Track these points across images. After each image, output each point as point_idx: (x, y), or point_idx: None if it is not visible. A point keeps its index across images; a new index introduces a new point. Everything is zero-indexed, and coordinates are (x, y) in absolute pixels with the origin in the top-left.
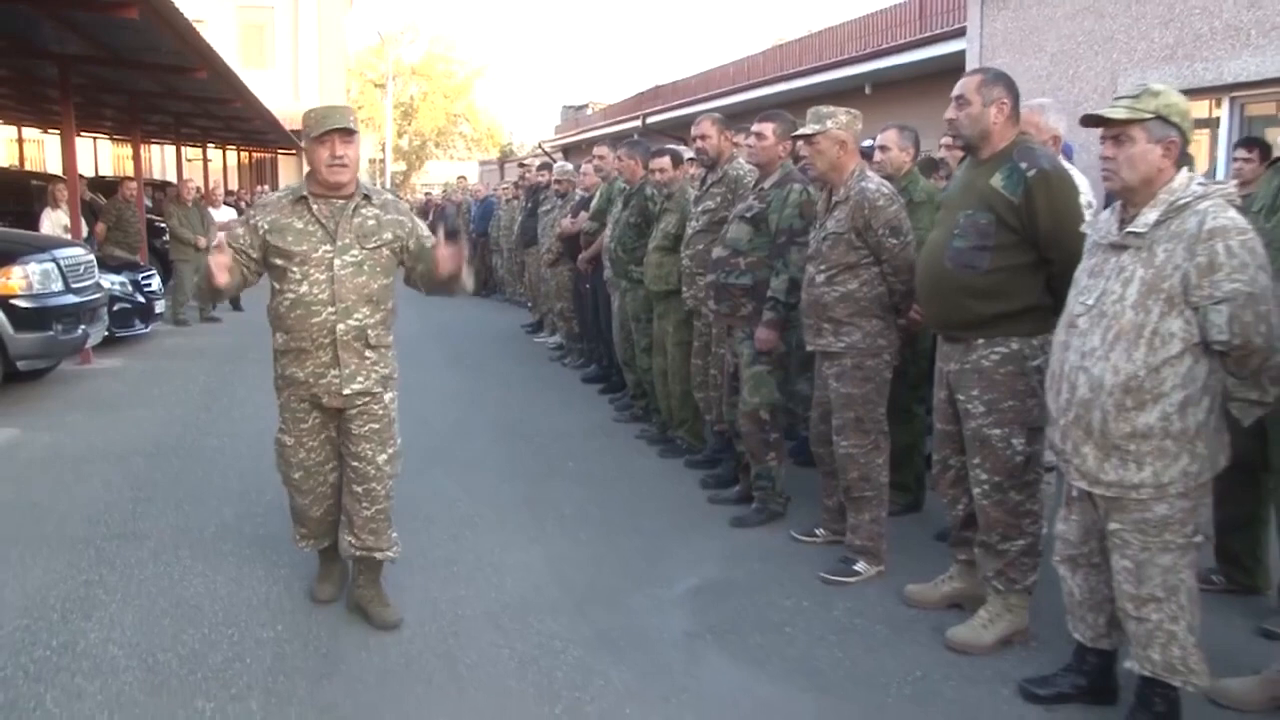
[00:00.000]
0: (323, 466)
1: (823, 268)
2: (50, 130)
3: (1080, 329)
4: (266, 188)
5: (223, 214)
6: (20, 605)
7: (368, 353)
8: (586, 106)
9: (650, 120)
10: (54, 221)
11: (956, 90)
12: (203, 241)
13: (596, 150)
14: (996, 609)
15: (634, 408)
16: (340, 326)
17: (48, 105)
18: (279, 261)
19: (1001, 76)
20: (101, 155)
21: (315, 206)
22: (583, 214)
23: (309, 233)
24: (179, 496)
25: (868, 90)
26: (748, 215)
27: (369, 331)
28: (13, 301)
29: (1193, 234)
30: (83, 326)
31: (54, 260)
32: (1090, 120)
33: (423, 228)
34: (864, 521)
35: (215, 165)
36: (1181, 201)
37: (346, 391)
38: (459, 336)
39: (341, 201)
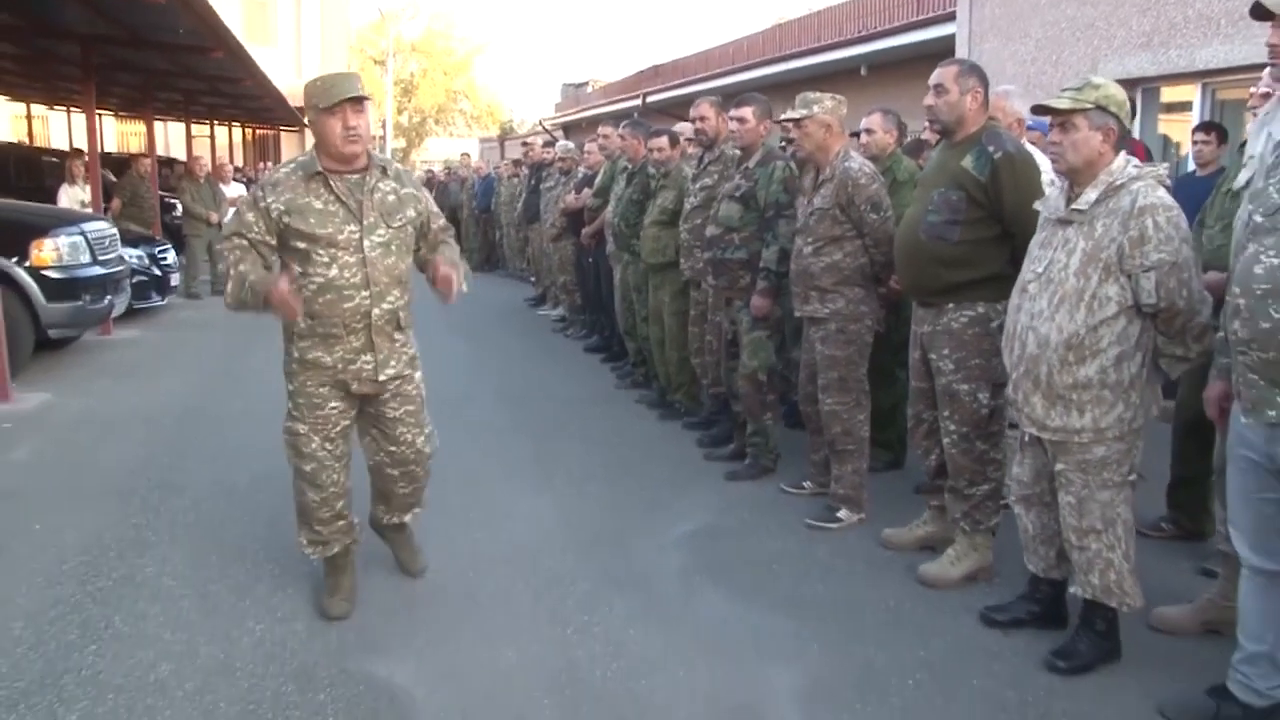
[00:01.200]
0: (337, 461)
1: (810, 240)
2: (56, 106)
3: (1030, 294)
4: (270, 164)
5: (233, 189)
6: (79, 544)
7: (397, 335)
8: (587, 84)
9: (650, 99)
10: (71, 197)
11: (935, 79)
12: (214, 217)
13: (601, 129)
14: (963, 548)
15: (634, 374)
16: (375, 311)
17: (59, 82)
18: (301, 245)
19: (975, 67)
20: (106, 132)
21: (334, 184)
22: (586, 190)
23: (331, 213)
24: (211, 453)
25: (863, 72)
26: (736, 194)
27: (400, 314)
28: (44, 273)
29: (1126, 211)
30: (109, 297)
31: (82, 233)
32: (1039, 109)
33: (433, 204)
34: (846, 473)
35: (221, 142)
36: (1118, 182)
37: (382, 377)
38: (463, 310)
39: (357, 176)
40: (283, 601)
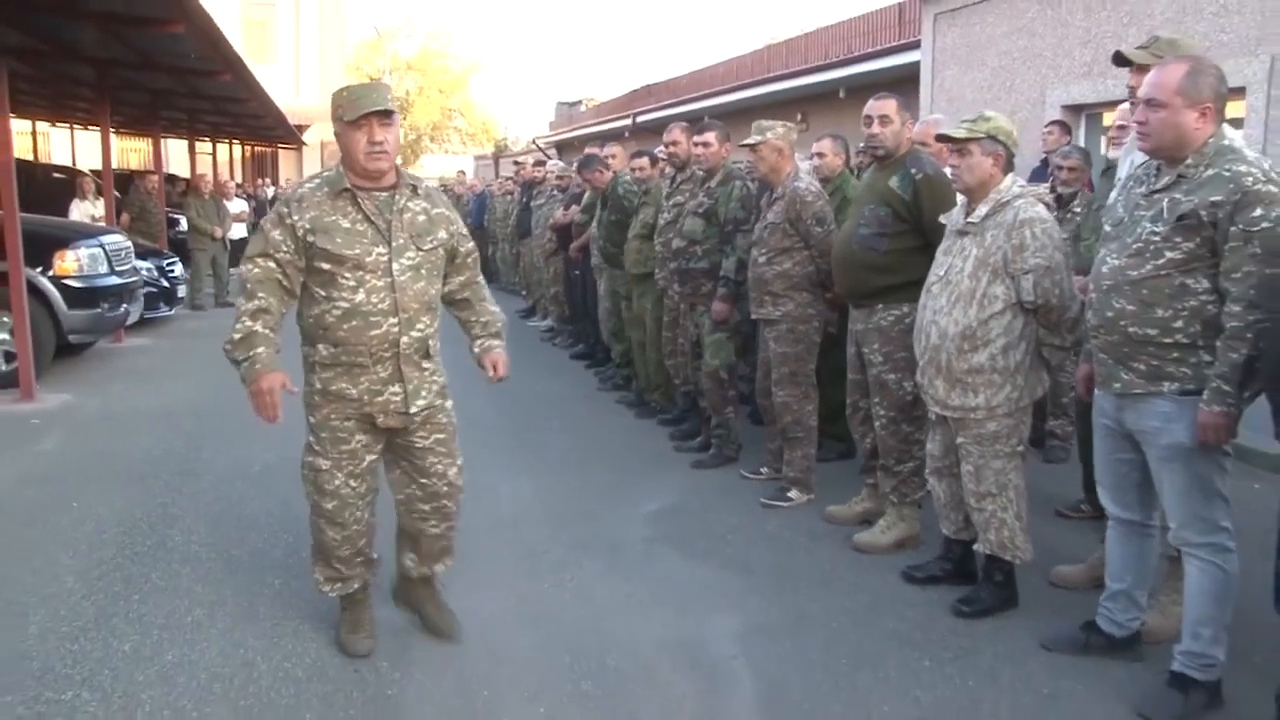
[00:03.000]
0: (361, 499)
1: (763, 251)
2: (59, 124)
3: (934, 293)
4: (267, 180)
5: (235, 205)
6: (114, 519)
7: (425, 364)
8: (580, 103)
9: (640, 119)
10: (82, 212)
11: (878, 110)
12: (219, 232)
13: (586, 150)
14: (892, 518)
15: (616, 376)
16: (404, 339)
17: (70, 101)
18: (326, 266)
19: (905, 100)
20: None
21: (363, 202)
22: (574, 207)
23: (359, 233)
24: (224, 444)
25: (842, 94)
26: (700, 211)
27: (430, 342)
28: (66, 281)
29: (1010, 223)
30: (125, 305)
31: (101, 246)
32: (941, 138)
33: (463, 227)
34: (797, 458)
35: (221, 159)
36: (1004, 199)
37: (412, 409)
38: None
39: (385, 194)
40: (297, 563)
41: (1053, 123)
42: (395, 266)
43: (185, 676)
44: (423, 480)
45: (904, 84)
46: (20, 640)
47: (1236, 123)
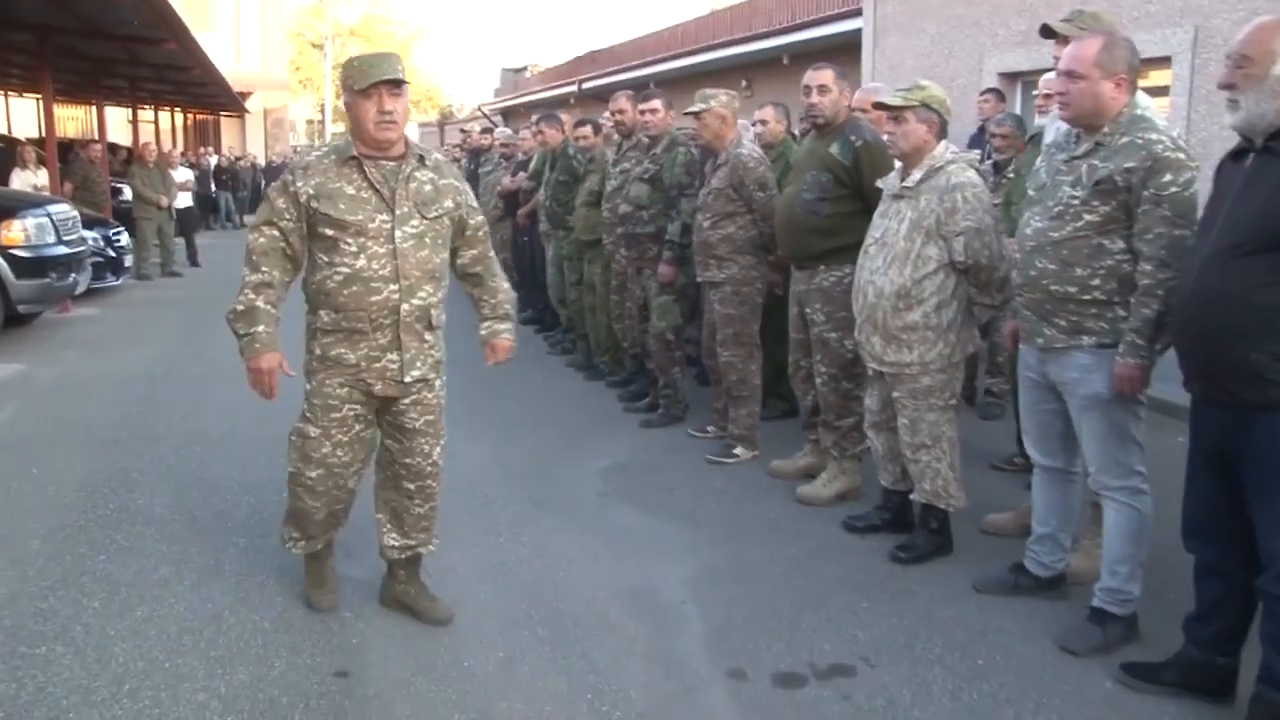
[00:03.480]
0: (346, 469)
1: (708, 216)
2: None
3: (870, 254)
4: (209, 149)
5: (180, 174)
6: (75, 483)
7: (427, 335)
8: (525, 69)
9: (585, 86)
10: (23, 181)
11: (819, 80)
12: (164, 201)
13: (534, 117)
14: (834, 472)
15: (564, 340)
16: (404, 306)
17: (4, 69)
18: (329, 232)
19: (843, 70)
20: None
21: (369, 170)
22: (521, 174)
23: (363, 200)
24: (181, 410)
25: (785, 61)
26: (645, 177)
27: (431, 311)
28: (13, 251)
29: (943, 187)
30: (73, 275)
31: (48, 215)
32: (879, 106)
33: (473, 199)
34: (741, 415)
35: (164, 127)
36: (938, 165)
37: (407, 379)
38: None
39: (393, 163)
40: (259, 523)
41: (987, 90)
42: (398, 234)
43: (156, 630)
44: (408, 460)
45: (846, 51)
46: None
47: (1162, 90)
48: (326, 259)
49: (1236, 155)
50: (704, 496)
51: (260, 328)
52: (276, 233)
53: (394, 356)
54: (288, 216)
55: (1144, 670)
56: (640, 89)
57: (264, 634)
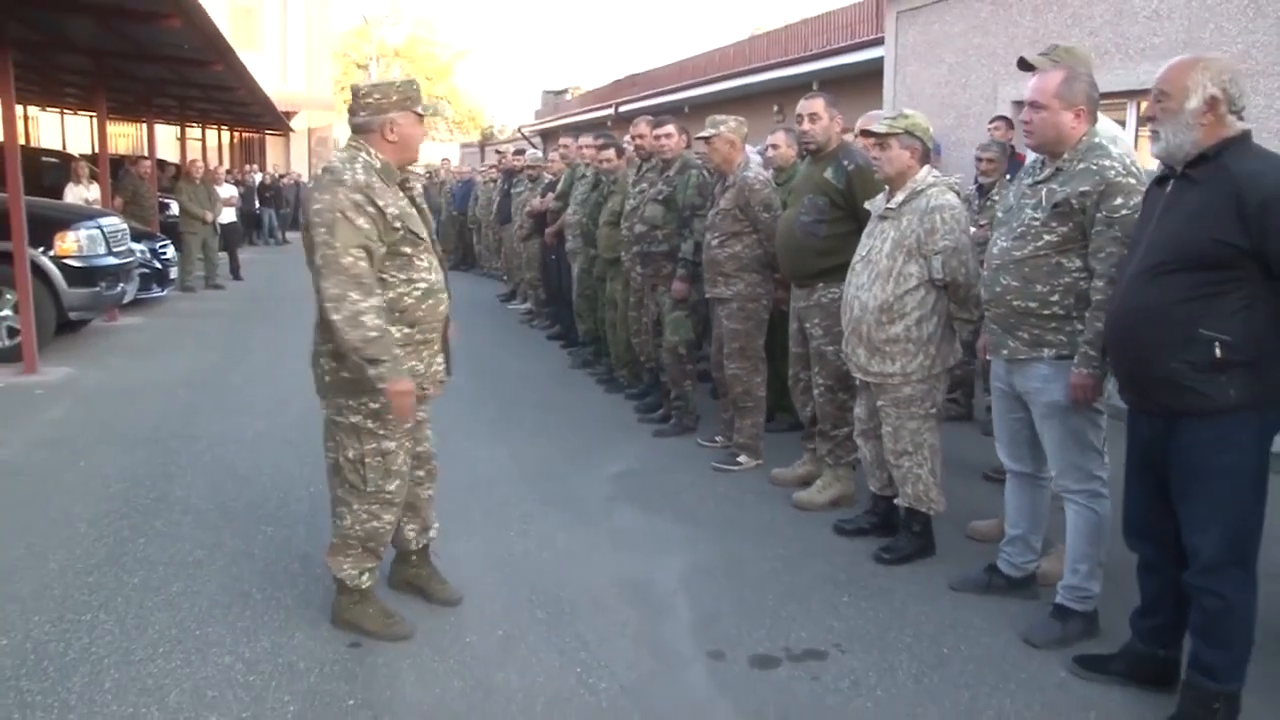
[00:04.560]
0: (412, 471)
1: (716, 235)
2: (49, 109)
3: (857, 271)
4: (254, 166)
5: (225, 191)
6: (119, 476)
7: None
8: (566, 91)
9: (623, 109)
10: (75, 195)
11: (810, 109)
12: (209, 216)
13: (562, 140)
14: (829, 479)
15: (584, 354)
16: (448, 311)
17: (64, 89)
18: (408, 250)
19: (833, 99)
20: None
21: (410, 185)
22: (549, 194)
23: (415, 215)
24: (219, 413)
25: (815, 86)
26: (659, 198)
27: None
28: (66, 261)
29: (923, 209)
30: (121, 284)
31: (99, 227)
32: (865, 133)
33: None
34: (746, 426)
35: (210, 144)
36: (919, 188)
37: (445, 379)
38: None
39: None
40: (288, 514)
41: (997, 118)
42: (435, 244)
43: (189, 603)
44: (419, 449)
45: (870, 78)
46: (42, 575)
47: None
48: (403, 275)
49: (1160, 181)
50: (706, 500)
51: (395, 351)
52: (366, 254)
53: (440, 359)
54: (372, 236)
55: (1094, 661)
56: (675, 112)
57: (286, 609)
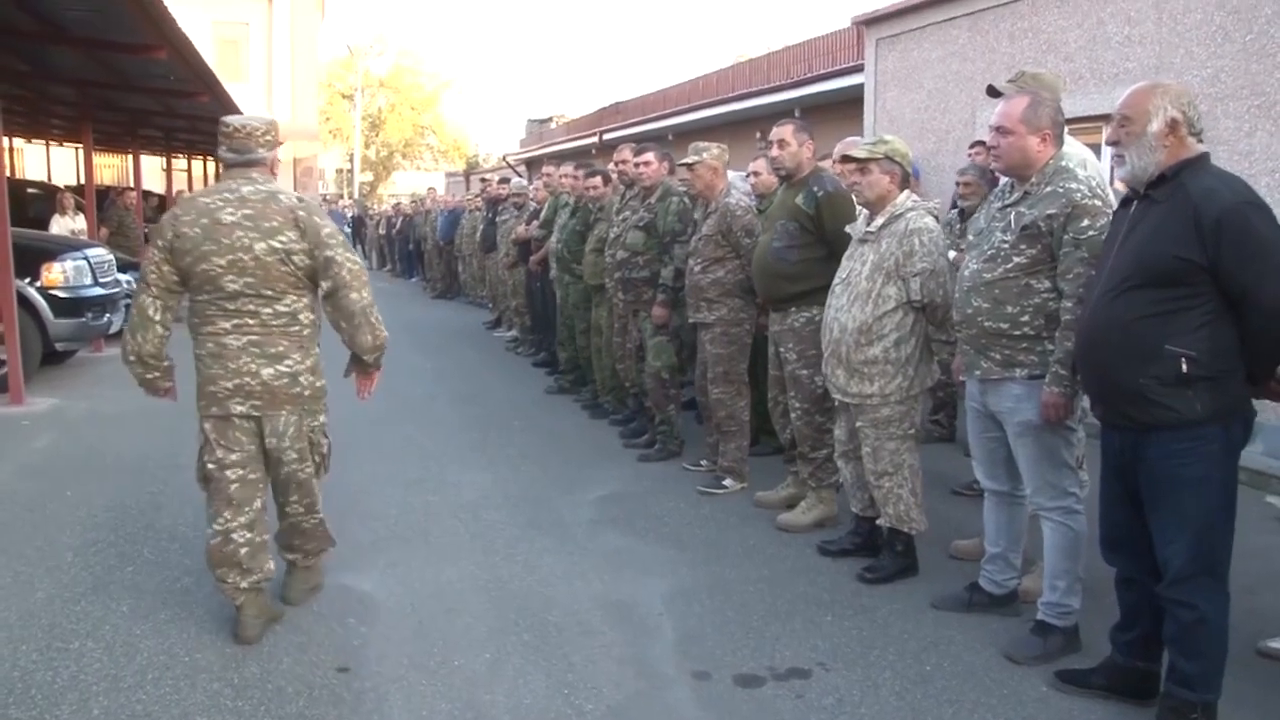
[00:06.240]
0: None
1: (699, 261)
2: (34, 140)
3: (836, 294)
4: None
5: None
6: (106, 505)
7: None
8: (551, 120)
9: (607, 137)
10: (61, 227)
11: (778, 135)
12: None
13: (545, 169)
14: (811, 501)
15: (562, 380)
16: None
17: (48, 120)
18: None
19: (806, 126)
20: (82, 165)
21: None
22: (534, 223)
23: None
24: None
25: (797, 113)
26: (640, 224)
27: None
28: (53, 292)
29: (902, 232)
30: (107, 315)
31: (85, 258)
32: (845, 159)
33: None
34: (730, 449)
35: (196, 174)
36: (899, 212)
37: None
38: (425, 330)
39: None
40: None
41: (976, 143)
42: None
43: (177, 630)
44: None
45: (852, 104)
46: (30, 603)
47: None
48: None
49: (1125, 202)
50: (691, 523)
51: None
52: None
53: None
54: None
55: (1075, 676)
56: (660, 139)
57: (274, 634)
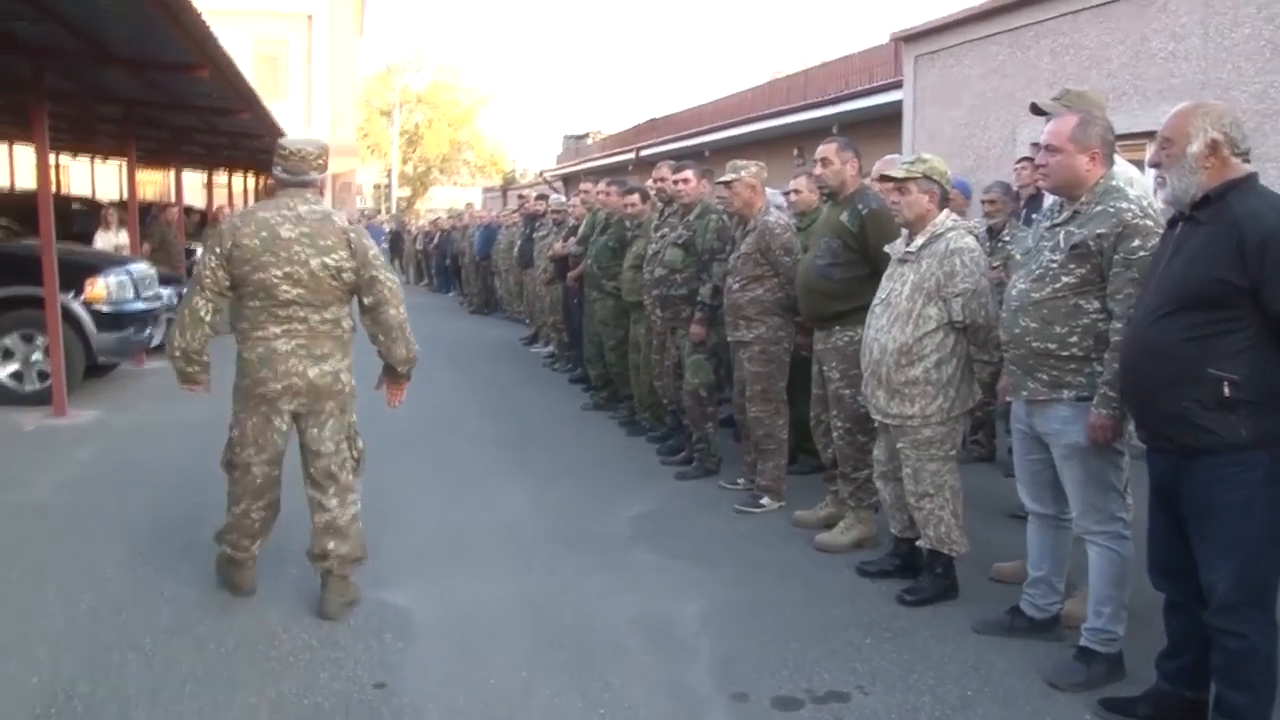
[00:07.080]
0: None
1: (737, 279)
2: (79, 156)
3: (876, 314)
4: None
5: None
6: (147, 518)
7: None
8: (587, 136)
9: (644, 153)
10: (105, 242)
11: (821, 154)
12: None
13: (583, 185)
14: (850, 521)
15: (596, 397)
16: None
17: (94, 137)
18: None
19: (850, 144)
20: (125, 180)
21: None
22: (571, 239)
23: None
24: None
25: (835, 130)
26: (679, 242)
27: None
28: (96, 307)
29: (942, 252)
30: (149, 329)
31: (128, 273)
32: (884, 178)
33: None
34: (768, 467)
35: (236, 190)
36: (939, 232)
37: None
38: (462, 346)
39: None
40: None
41: (1023, 159)
42: None
43: (215, 643)
44: None
45: (890, 121)
46: (72, 615)
47: None
48: None
49: (1171, 223)
50: (728, 542)
51: None
52: None
53: None
54: None
55: (1120, 704)
56: (697, 156)
57: (312, 650)
